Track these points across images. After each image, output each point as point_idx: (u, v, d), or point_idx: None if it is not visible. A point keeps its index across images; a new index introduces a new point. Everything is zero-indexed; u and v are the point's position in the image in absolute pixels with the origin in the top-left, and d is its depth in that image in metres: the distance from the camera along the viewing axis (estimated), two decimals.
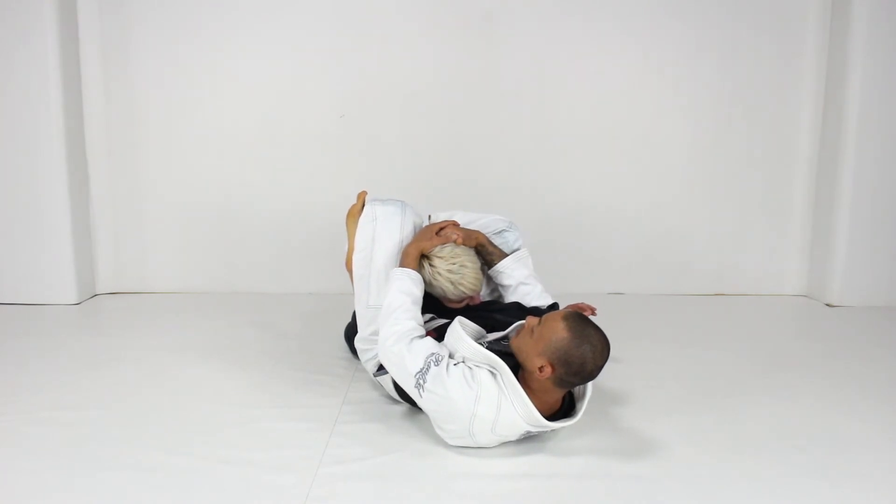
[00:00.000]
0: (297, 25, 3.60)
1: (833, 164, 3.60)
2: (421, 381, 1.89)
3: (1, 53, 3.35)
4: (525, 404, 1.83)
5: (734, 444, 2.02)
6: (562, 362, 1.80)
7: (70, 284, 3.53)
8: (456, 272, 2.19)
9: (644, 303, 3.65)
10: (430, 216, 2.43)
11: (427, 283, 2.19)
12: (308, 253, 3.74)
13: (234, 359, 2.70)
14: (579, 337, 1.80)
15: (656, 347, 2.90)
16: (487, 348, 1.93)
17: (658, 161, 3.76)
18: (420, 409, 2.04)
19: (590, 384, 1.95)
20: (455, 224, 2.31)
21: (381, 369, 2.22)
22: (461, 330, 1.96)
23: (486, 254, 2.34)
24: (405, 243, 2.23)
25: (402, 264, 2.17)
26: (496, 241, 2.38)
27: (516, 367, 1.90)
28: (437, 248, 2.21)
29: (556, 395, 1.91)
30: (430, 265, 2.20)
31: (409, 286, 2.09)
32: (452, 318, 2.06)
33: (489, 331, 2.11)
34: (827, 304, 3.65)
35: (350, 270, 2.30)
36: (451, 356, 1.94)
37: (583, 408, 1.94)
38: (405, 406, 2.22)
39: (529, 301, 2.30)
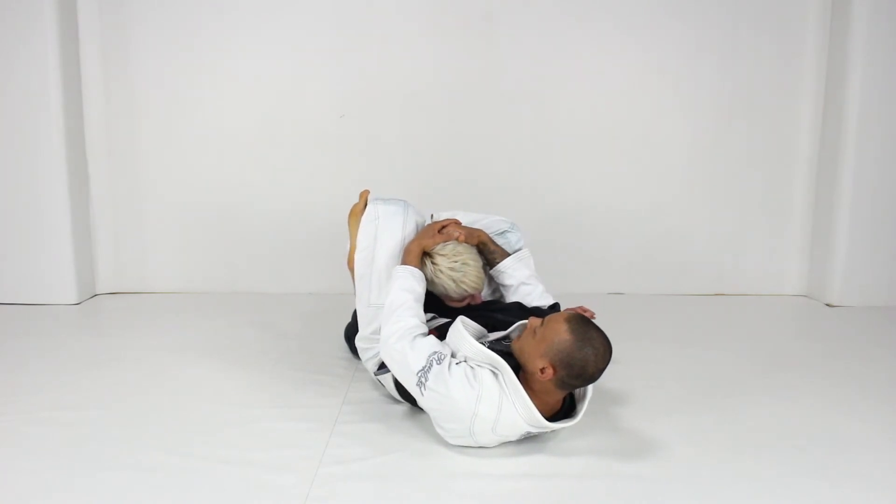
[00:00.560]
0: (297, 25, 3.60)
1: (833, 164, 3.60)
2: (423, 380, 1.89)
3: (1, 53, 3.35)
4: (526, 405, 1.83)
5: (734, 444, 2.02)
6: (563, 364, 1.80)
7: (70, 284, 3.53)
8: (458, 270, 2.18)
9: (644, 303, 3.65)
10: (432, 215, 2.43)
11: (429, 281, 2.19)
12: (308, 253, 3.74)
13: (234, 359, 2.70)
14: (582, 339, 1.80)
15: (656, 347, 2.90)
16: (489, 348, 1.93)
17: (658, 161, 3.76)
18: (420, 408, 2.05)
19: (590, 385, 1.95)
20: (457, 222, 2.31)
21: (381, 368, 2.22)
22: (463, 329, 1.96)
23: (488, 253, 2.34)
24: (407, 242, 2.23)
25: (405, 262, 2.17)
26: (498, 241, 2.38)
27: (517, 368, 1.89)
28: (440, 246, 2.21)
29: (556, 397, 1.91)
30: (433, 263, 2.20)
31: (411, 283, 2.09)
32: (454, 318, 2.06)
33: (490, 330, 2.11)
34: (827, 304, 3.65)
35: (352, 269, 2.30)
36: (452, 355, 1.94)
37: (583, 409, 1.94)
38: (405, 406, 2.22)
39: (530, 301, 2.30)
